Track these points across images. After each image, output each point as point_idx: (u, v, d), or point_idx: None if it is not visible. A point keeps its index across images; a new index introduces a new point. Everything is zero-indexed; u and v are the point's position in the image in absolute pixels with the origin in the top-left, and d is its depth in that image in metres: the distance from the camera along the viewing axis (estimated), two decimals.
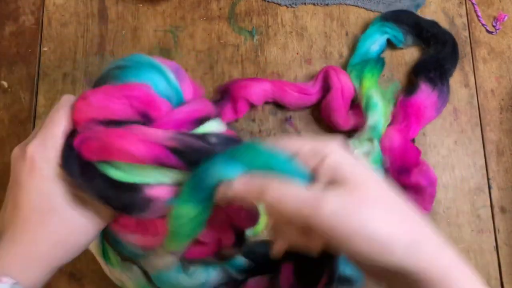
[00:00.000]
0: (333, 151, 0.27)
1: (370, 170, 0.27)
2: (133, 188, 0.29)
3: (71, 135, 0.31)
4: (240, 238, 0.36)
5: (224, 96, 0.49)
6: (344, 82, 0.49)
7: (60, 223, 0.30)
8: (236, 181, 0.27)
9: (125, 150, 0.29)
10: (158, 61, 0.34)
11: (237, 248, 0.36)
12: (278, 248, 0.32)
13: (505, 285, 0.48)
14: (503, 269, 0.48)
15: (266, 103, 0.51)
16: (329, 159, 0.26)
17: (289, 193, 0.26)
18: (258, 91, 0.49)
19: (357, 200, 0.25)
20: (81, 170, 0.30)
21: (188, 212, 0.29)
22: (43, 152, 0.30)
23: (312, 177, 0.27)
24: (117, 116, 0.31)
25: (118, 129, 0.30)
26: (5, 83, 0.52)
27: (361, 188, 0.25)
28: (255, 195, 0.27)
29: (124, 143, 0.29)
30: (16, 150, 0.32)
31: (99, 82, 0.34)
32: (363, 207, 0.25)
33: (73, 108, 0.32)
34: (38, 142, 0.31)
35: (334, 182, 0.26)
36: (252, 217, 0.34)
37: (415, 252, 0.24)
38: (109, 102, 0.31)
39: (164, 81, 0.33)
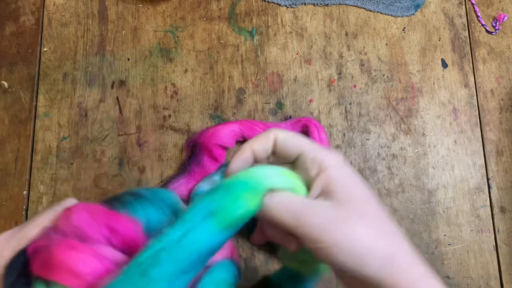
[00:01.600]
0: (332, 165, 0.28)
1: (361, 187, 0.29)
2: None
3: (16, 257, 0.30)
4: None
5: (195, 149, 0.49)
6: (323, 140, 0.48)
7: None
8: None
9: (69, 266, 0.27)
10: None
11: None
12: (258, 239, 0.34)
13: (505, 285, 0.48)
14: (502, 269, 0.48)
15: (237, 142, 0.50)
16: (327, 172, 0.28)
17: (281, 202, 0.27)
18: (227, 133, 0.48)
19: (344, 214, 0.27)
20: (15, 280, 0.29)
21: None
22: (2, 249, 0.30)
23: (306, 185, 0.29)
24: (86, 239, 0.29)
25: (72, 240, 0.29)
26: (5, 83, 0.52)
27: (349, 203, 0.27)
28: None
29: (71, 256, 0.28)
30: None
31: (109, 201, 0.32)
32: (348, 221, 0.27)
33: (58, 216, 0.31)
34: (7, 236, 0.31)
35: (326, 193, 0.28)
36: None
37: (390, 265, 0.26)
38: (86, 225, 0.30)
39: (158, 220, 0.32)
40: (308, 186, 0.29)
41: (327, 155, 0.29)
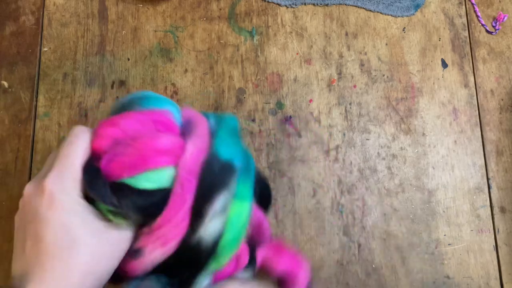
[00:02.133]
0: None
1: None
2: (162, 192, 0.30)
3: (89, 163, 0.31)
4: (252, 257, 0.36)
5: None
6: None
7: (87, 253, 0.29)
8: None
9: (159, 150, 0.30)
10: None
11: (251, 267, 0.36)
12: None
13: (505, 285, 0.48)
14: (502, 268, 0.48)
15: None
16: None
17: None
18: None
19: None
20: (112, 191, 0.30)
21: (246, 209, 0.31)
22: (61, 184, 0.30)
23: None
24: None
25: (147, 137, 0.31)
26: (5, 83, 0.52)
27: None
28: None
29: (157, 144, 0.30)
30: (28, 187, 0.31)
31: (120, 110, 0.34)
32: None
33: (95, 136, 0.32)
34: (55, 174, 0.30)
35: None
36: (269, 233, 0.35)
37: None
38: (139, 126, 0.31)
39: (178, 113, 0.35)
40: None
41: None
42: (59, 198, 0.29)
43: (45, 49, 0.53)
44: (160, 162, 0.30)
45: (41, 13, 0.54)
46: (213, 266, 0.32)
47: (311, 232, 0.49)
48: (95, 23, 0.54)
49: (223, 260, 0.32)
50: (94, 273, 0.30)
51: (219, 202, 0.30)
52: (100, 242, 0.30)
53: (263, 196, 0.37)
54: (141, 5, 0.55)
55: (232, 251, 0.32)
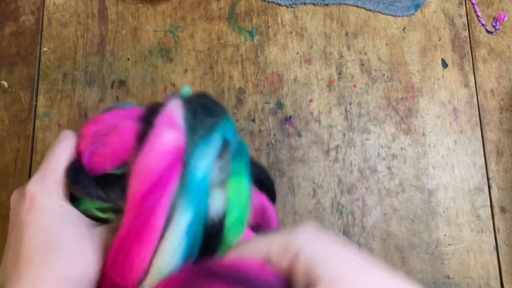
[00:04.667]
0: (305, 243, 0.24)
1: (346, 262, 0.24)
2: None
3: (73, 163, 0.30)
4: None
5: None
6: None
7: (65, 258, 0.27)
8: None
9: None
10: None
11: None
12: None
13: (505, 285, 0.48)
14: (503, 269, 0.48)
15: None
16: (302, 255, 0.23)
17: None
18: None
19: None
20: (98, 184, 0.29)
21: (245, 186, 0.30)
22: (42, 187, 0.29)
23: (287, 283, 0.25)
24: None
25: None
26: (5, 83, 0.52)
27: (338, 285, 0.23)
28: None
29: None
30: (14, 193, 0.30)
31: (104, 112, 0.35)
32: None
33: (79, 137, 0.31)
34: (37, 178, 0.30)
35: (310, 283, 0.23)
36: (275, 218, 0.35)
37: None
38: (118, 119, 0.31)
39: None
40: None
41: (295, 234, 0.25)
42: (40, 201, 0.28)
43: (45, 49, 0.53)
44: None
45: (41, 13, 0.54)
46: (221, 253, 0.30)
47: None
48: (95, 23, 0.54)
49: (230, 245, 0.30)
50: (71, 280, 0.27)
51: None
52: (80, 247, 0.28)
53: (264, 184, 0.36)
54: (141, 5, 0.54)
55: (238, 234, 0.30)
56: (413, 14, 0.55)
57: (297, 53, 0.53)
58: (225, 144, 0.31)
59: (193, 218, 0.27)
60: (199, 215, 0.27)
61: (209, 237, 0.28)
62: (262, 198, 0.35)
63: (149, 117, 0.30)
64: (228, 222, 0.29)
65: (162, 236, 0.26)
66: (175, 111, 0.30)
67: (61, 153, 0.31)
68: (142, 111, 0.32)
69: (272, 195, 0.38)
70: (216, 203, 0.28)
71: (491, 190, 0.50)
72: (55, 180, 0.30)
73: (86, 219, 0.30)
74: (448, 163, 0.51)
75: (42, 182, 0.29)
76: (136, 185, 0.27)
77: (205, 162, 0.28)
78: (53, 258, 0.27)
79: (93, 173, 0.30)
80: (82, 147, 0.31)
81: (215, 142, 0.30)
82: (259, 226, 0.35)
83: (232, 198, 0.29)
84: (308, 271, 0.23)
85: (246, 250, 0.26)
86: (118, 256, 0.27)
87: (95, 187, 0.29)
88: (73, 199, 0.31)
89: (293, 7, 0.55)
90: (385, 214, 0.50)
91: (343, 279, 0.22)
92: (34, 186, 0.29)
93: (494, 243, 0.49)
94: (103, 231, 0.30)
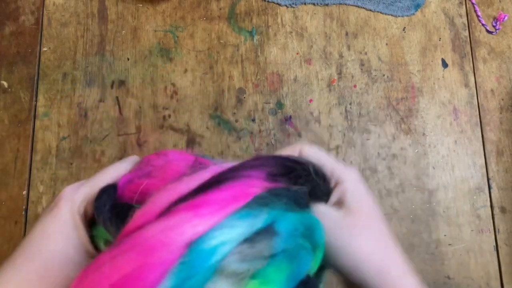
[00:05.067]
0: (347, 179, 0.32)
1: (370, 203, 0.32)
2: None
3: (109, 185, 0.29)
4: None
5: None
6: None
7: (43, 260, 0.29)
8: None
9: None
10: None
11: None
12: None
13: (505, 285, 0.48)
14: (503, 269, 0.48)
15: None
16: (343, 185, 0.31)
17: None
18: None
19: (350, 223, 0.30)
20: (118, 212, 0.27)
21: None
22: (72, 194, 0.30)
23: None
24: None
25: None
26: (5, 83, 0.52)
27: (356, 215, 0.31)
28: None
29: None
30: (67, 187, 0.31)
31: None
32: (352, 229, 0.30)
33: (137, 163, 0.31)
34: (76, 185, 0.31)
35: (340, 203, 0.31)
36: None
37: (383, 275, 0.29)
38: (180, 157, 0.29)
39: None
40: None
41: (344, 170, 0.32)
42: (61, 205, 0.30)
43: (45, 49, 0.53)
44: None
45: (41, 13, 0.54)
46: None
47: None
48: (95, 23, 0.54)
49: None
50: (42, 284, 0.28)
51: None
52: (63, 261, 0.29)
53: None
54: (141, 5, 0.54)
55: None
56: (413, 14, 0.55)
57: (297, 53, 0.53)
58: (268, 230, 0.23)
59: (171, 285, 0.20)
60: None
61: None
62: None
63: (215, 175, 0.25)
64: None
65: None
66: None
67: (113, 172, 0.31)
68: (214, 163, 0.28)
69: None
70: None
71: (491, 190, 0.50)
72: (86, 192, 0.30)
73: (86, 248, 0.30)
74: (448, 163, 0.51)
75: (76, 191, 0.30)
76: (136, 216, 0.23)
77: (226, 236, 0.21)
78: (33, 258, 0.28)
79: (120, 199, 0.28)
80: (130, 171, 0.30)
81: (254, 220, 0.23)
82: None
83: None
84: (342, 196, 0.31)
85: (310, 154, 0.32)
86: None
87: (108, 211, 0.27)
88: (94, 221, 0.29)
89: (293, 7, 0.55)
90: (385, 214, 0.49)
91: (362, 211, 0.31)
92: (67, 190, 0.30)
93: (494, 243, 0.49)
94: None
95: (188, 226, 0.21)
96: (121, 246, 0.21)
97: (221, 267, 0.21)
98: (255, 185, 0.24)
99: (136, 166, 0.30)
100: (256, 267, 0.22)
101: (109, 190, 0.28)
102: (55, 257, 0.29)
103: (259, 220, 0.23)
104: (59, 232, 0.29)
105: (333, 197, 0.31)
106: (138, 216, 0.23)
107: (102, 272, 0.20)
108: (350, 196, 0.31)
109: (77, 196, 0.30)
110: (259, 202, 0.23)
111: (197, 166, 0.28)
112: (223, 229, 0.21)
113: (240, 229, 0.22)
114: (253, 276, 0.22)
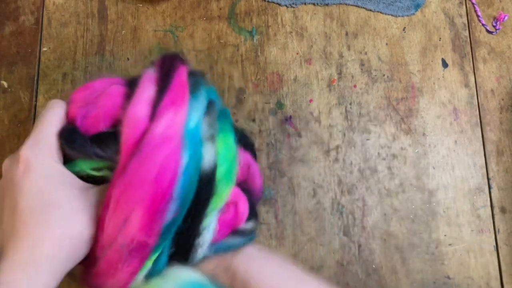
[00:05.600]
0: (240, 263, 0.32)
1: (276, 275, 0.32)
2: None
3: (65, 128, 0.32)
4: (253, 209, 0.37)
5: None
6: None
7: (61, 218, 0.28)
8: None
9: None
10: None
11: (254, 219, 0.37)
12: None
13: (505, 285, 0.48)
14: (503, 269, 0.48)
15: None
16: (239, 274, 0.31)
17: None
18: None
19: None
20: (93, 143, 0.31)
21: (231, 141, 0.33)
22: (36, 151, 0.30)
23: None
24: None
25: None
26: (5, 83, 0.52)
27: None
28: None
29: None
30: (6, 160, 0.31)
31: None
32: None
33: (69, 104, 0.33)
34: (30, 143, 0.30)
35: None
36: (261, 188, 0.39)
37: None
38: (107, 84, 0.33)
39: None
40: None
41: (232, 256, 0.32)
42: (34, 165, 0.29)
43: (45, 49, 0.53)
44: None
45: (41, 13, 0.54)
46: (214, 204, 0.32)
47: (311, 232, 0.49)
48: (95, 23, 0.54)
49: (222, 196, 0.32)
50: (69, 239, 0.28)
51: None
52: (76, 207, 0.29)
53: (246, 145, 0.39)
54: (141, 5, 0.54)
55: (228, 186, 0.33)
56: (413, 14, 0.55)
57: (297, 53, 0.53)
58: (211, 103, 0.34)
59: (189, 161, 0.29)
60: (194, 160, 0.30)
61: (203, 187, 0.31)
62: (247, 156, 0.38)
63: (133, 82, 0.33)
64: (219, 173, 0.32)
65: (157, 179, 0.28)
66: (155, 72, 0.33)
67: (52, 120, 0.31)
68: (126, 79, 0.35)
69: (254, 155, 0.41)
70: (208, 155, 0.31)
71: (491, 190, 0.50)
72: (48, 144, 0.30)
73: (80, 181, 0.31)
74: (448, 163, 0.51)
75: (36, 147, 0.30)
76: (127, 133, 0.29)
77: (196, 114, 0.31)
78: (50, 218, 0.28)
79: (87, 134, 0.31)
80: (73, 111, 0.32)
81: (202, 98, 0.32)
82: (246, 182, 0.38)
83: (221, 152, 0.32)
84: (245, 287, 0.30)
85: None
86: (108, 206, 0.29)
87: (91, 146, 0.30)
88: (66, 162, 0.32)
89: (293, 7, 0.55)
90: (385, 214, 0.49)
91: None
92: (27, 151, 0.30)
93: (494, 243, 0.49)
94: (97, 191, 0.31)
95: (176, 119, 0.30)
96: (141, 152, 0.28)
97: (202, 136, 0.31)
98: (182, 73, 0.33)
99: (74, 104, 0.33)
100: (216, 127, 0.33)
101: (73, 130, 0.31)
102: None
103: (204, 97, 0.33)
104: (55, 186, 0.29)
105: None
106: (131, 130, 0.29)
107: (142, 170, 0.28)
108: (250, 284, 0.31)
109: (42, 151, 0.30)
110: (195, 85, 0.33)
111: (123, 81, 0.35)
112: (193, 112, 0.31)
113: (201, 107, 0.32)
114: (217, 132, 0.33)
